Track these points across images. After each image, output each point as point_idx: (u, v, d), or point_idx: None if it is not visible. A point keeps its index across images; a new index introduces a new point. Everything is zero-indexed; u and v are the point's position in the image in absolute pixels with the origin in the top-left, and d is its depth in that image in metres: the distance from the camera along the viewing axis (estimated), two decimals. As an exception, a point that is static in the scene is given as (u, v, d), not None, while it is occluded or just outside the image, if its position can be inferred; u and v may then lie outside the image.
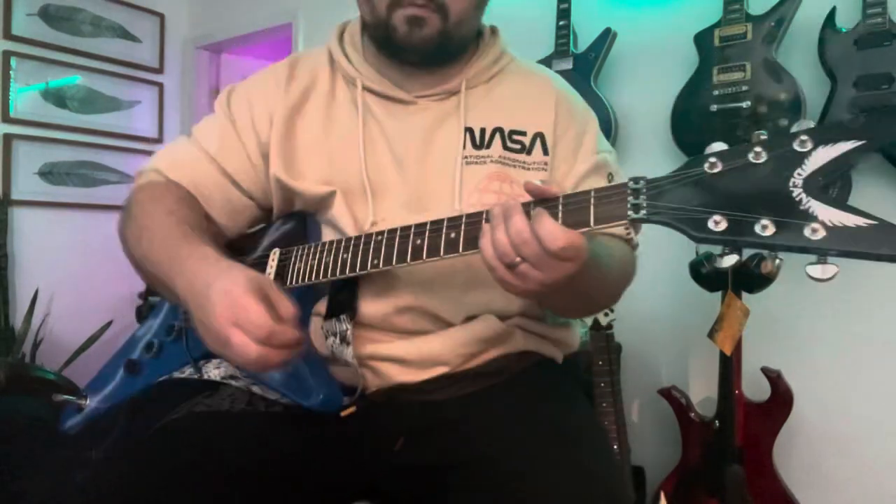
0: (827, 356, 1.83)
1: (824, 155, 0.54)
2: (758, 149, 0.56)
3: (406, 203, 0.87)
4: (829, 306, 1.84)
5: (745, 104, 1.77)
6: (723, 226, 0.56)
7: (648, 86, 2.08)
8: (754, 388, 1.75)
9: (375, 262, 0.77)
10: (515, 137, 0.90)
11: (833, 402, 1.82)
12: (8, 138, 2.70)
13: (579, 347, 1.03)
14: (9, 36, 2.71)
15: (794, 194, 0.54)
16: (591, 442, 0.81)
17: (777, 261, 0.59)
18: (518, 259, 0.64)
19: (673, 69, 1.99)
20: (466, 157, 0.88)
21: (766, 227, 0.54)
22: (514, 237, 0.64)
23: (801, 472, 1.81)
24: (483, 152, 0.89)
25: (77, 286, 2.86)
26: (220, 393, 0.88)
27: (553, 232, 0.62)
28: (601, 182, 0.90)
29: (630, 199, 0.62)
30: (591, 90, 2.02)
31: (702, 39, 1.88)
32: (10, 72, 2.71)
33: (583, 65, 2.06)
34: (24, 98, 2.77)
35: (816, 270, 0.55)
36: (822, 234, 0.52)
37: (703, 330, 1.73)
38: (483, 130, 0.90)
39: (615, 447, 1.69)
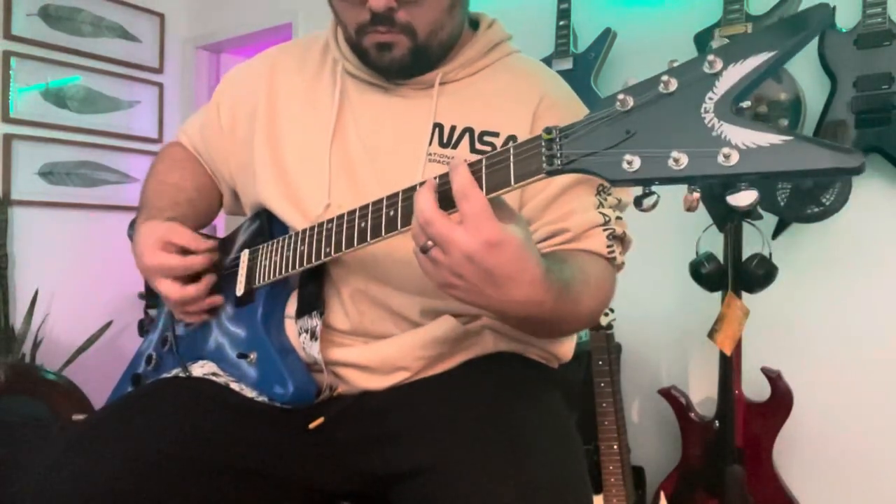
0: (827, 356, 1.83)
1: (735, 73, 0.51)
2: (667, 77, 0.53)
3: (363, 191, 0.84)
4: (829, 306, 1.84)
5: (745, 104, 1.77)
6: (636, 165, 0.53)
7: (648, 86, 2.08)
8: (754, 388, 1.75)
9: (328, 249, 0.77)
10: (486, 139, 0.85)
11: (833, 402, 1.82)
12: (8, 138, 2.70)
13: (580, 348, 1.01)
14: (9, 36, 2.71)
15: (706, 120, 0.51)
16: (545, 450, 0.73)
17: (695, 193, 0.55)
18: (429, 242, 0.60)
19: (673, 69, 1.99)
20: (431, 154, 0.85)
21: (678, 161, 0.50)
22: (419, 215, 0.60)
23: (801, 472, 1.82)
24: (448, 152, 0.85)
25: (77, 286, 2.86)
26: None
27: (420, 205, 0.59)
28: (589, 197, 0.82)
29: (544, 150, 0.58)
30: (592, 90, 2.02)
31: (702, 39, 1.87)
32: (10, 72, 2.71)
33: (583, 65, 2.06)
34: (24, 98, 2.76)
35: (734, 198, 0.51)
36: (735, 158, 0.49)
37: (703, 330, 1.74)
38: (453, 128, 0.86)
39: (615, 446, 1.69)
